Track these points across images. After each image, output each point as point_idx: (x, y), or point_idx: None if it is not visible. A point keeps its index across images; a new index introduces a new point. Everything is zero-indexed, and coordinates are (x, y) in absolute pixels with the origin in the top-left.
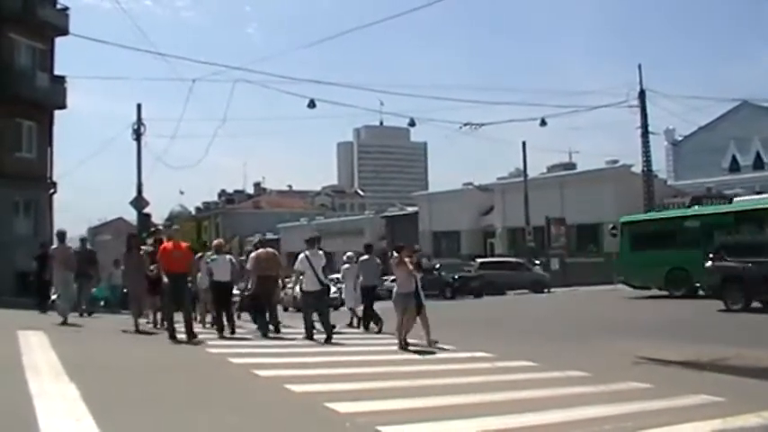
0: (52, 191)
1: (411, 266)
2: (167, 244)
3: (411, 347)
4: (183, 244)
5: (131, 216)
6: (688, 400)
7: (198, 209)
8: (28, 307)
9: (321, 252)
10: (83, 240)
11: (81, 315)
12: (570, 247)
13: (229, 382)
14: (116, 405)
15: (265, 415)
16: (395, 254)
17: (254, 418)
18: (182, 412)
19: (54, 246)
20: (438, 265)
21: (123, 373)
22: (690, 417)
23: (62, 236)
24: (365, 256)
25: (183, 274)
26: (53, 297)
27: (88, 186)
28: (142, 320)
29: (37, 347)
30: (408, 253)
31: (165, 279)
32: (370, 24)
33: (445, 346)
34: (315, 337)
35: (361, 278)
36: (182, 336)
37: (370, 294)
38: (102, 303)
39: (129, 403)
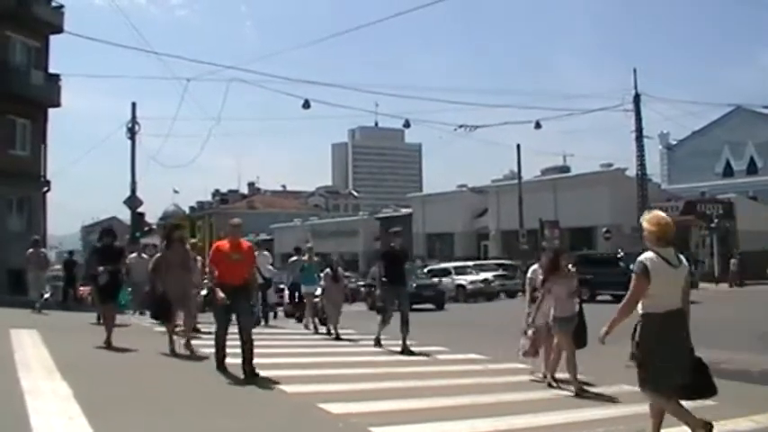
0: (46, 189)
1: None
2: (221, 242)
3: (536, 379)
4: (245, 242)
5: (125, 215)
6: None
7: (192, 208)
8: (21, 305)
9: (267, 252)
10: (108, 232)
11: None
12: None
13: (223, 382)
14: (109, 404)
15: (258, 415)
16: (542, 260)
17: (247, 419)
18: (174, 412)
19: (30, 250)
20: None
21: (116, 372)
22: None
23: (36, 242)
24: (294, 258)
25: (244, 288)
26: (46, 295)
27: (82, 185)
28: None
29: (29, 345)
30: (568, 260)
31: (220, 294)
32: (365, 25)
33: (437, 348)
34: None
35: (290, 277)
36: (234, 361)
37: (297, 290)
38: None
39: (122, 402)
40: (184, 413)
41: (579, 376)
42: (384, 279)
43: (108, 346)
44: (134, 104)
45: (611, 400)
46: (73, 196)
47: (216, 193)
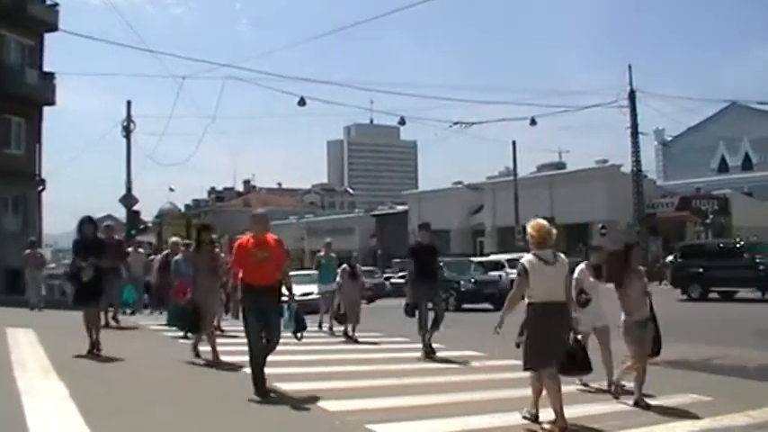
0: (41, 188)
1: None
2: (245, 239)
3: (588, 389)
4: (271, 237)
5: (121, 213)
6: (676, 400)
7: (187, 206)
8: (17, 304)
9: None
10: (109, 226)
11: (114, 320)
12: (560, 246)
13: (219, 380)
14: (105, 403)
15: (255, 414)
16: (591, 259)
17: (243, 417)
18: (171, 411)
19: (27, 251)
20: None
21: (113, 372)
22: (678, 416)
23: (33, 243)
24: None
25: (272, 288)
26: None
27: (77, 183)
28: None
29: (26, 345)
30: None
31: (240, 295)
32: (360, 22)
33: (435, 345)
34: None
35: None
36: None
37: None
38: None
39: (119, 402)
40: (180, 412)
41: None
42: (414, 276)
43: (92, 350)
44: (129, 103)
45: (609, 395)
46: (68, 195)
47: (211, 190)
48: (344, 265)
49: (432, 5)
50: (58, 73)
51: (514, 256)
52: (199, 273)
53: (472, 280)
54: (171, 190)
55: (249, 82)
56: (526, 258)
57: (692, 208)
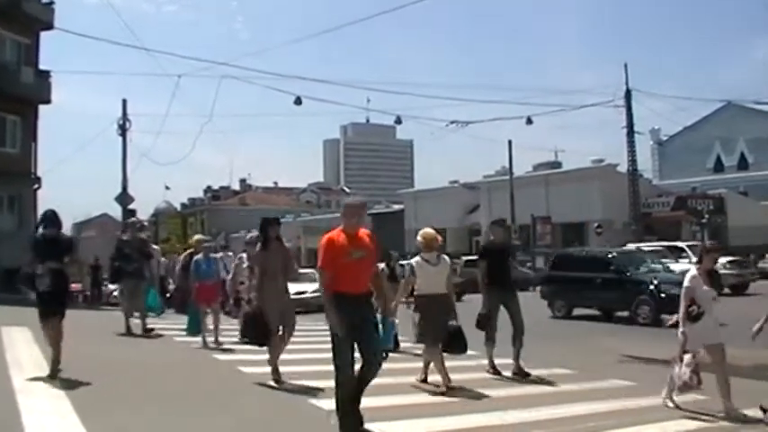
0: (36, 186)
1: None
2: (334, 234)
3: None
4: (365, 232)
5: (116, 212)
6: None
7: (183, 205)
8: (13, 303)
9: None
10: (132, 225)
11: (145, 332)
12: (555, 245)
13: (214, 379)
14: (101, 402)
15: (249, 411)
16: (704, 263)
17: (238, 415)
18: (165, 409)
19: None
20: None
21: (108, 370)
22: (673, 414)
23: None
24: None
25: (368, 296)
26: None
27: (73, 182)
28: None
29: (21, 343)
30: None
31: (332, 308)
32: (357, 21)
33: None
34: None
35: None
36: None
37: None
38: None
39: (114, 400)
40: (175, 409)
41: (567, 370)
42: (488, 281)
43: (53, 376)
44: (125, 101)
45: (603, 394)
46: (64, 193)
47: (207, 189)
48: (383, 266)
49: (429, 4)
50: (54, 71)
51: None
52: (267, 275)
53: (654, 280)
54: (167, 188)
55: (245, 81)
56: (414, 260)
57: (687, 207)
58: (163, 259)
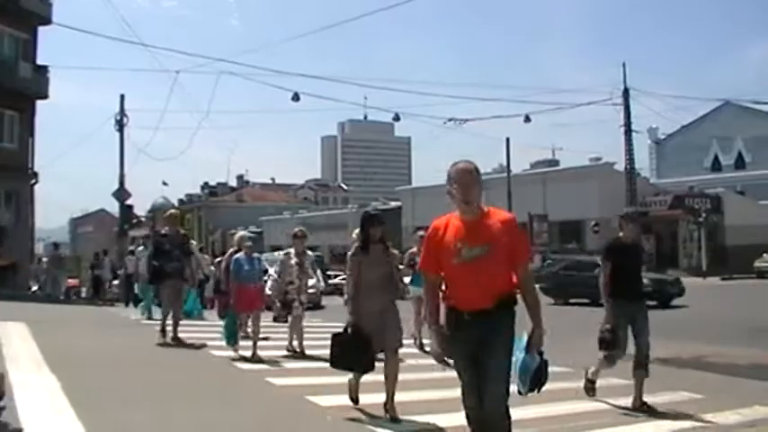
0: (34, 181)
1: None
2: (442, 220)
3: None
4: (497, 215)
5: (114, 207)
6: (668, 397)
7: (181, 201)
8: (7, 298)
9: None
10: (171, 217)
11: (174, 340)
12: (552, 243)
13: (211, 375)
14: (98, 398)
15: (247, 408)
16: None
17: (235, 412)
18: (162, 405)
19: (51, 253)
20: None
21: (105, 366)
22: (670, 413)
23: (56, 246)
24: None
25: (494, 314)
26: (34, 288)
27: (70, 177)
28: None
29: (17, 338)
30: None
31: (442, 323)
32: (355, 18)
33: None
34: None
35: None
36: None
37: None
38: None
39: (111, 396)
40: (172, 406)
41: (564, 368)
42: (612, 289)
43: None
44: (122, 96)
45: (600, 392)
46: (61, 189)
47: (205, 185)
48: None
49: (426, 2)
50: (52, 66)
51: None
52: (364, 281)
53: None
54: (164, 184)
55: (243, 77)
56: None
57: (684, 206)
58: (206, 257)
